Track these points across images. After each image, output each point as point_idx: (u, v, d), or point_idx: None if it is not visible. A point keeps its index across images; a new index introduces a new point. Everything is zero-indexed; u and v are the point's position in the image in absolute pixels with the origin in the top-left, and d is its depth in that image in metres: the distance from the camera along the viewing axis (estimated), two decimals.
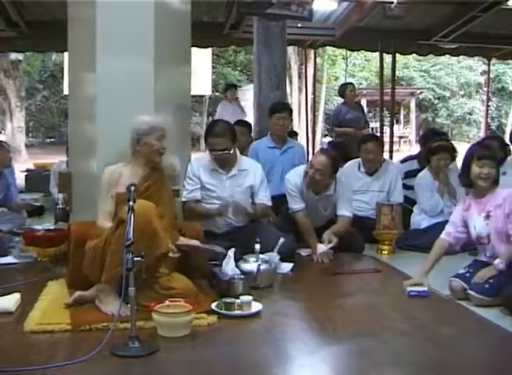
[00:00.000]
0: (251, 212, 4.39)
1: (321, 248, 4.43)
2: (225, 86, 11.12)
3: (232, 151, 4.38)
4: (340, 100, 8.51)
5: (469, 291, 3.40)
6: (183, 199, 4.34)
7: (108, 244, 3.13)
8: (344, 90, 8.04)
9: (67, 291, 3.43)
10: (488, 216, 3.55)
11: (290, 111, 5.87)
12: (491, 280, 3.38)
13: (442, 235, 3.74)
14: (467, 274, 3.55)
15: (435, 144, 5.32)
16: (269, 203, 4.54)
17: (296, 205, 4.62)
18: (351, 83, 8.64)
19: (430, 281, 3.69)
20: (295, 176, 4.67)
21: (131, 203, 2.90)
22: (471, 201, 3.68)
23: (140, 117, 3.52)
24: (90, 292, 3.22)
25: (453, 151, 5.25)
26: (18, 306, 3.23)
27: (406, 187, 5.43)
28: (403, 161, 6.58)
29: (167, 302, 2.94)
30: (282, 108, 5.68)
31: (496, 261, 3.44)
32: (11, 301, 3.21)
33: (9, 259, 4.41)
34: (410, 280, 3.68)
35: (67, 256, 3.67)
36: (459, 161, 5.38)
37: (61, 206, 4.81)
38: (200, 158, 4.61)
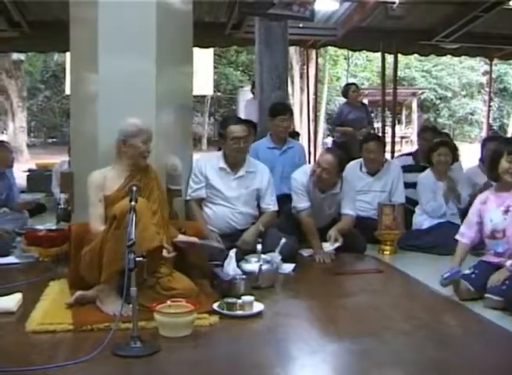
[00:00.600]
0: (262, 230, 4.31)
1: (327, 246, 4.43)
2: (253, 82, 10.82)
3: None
4: (343, 100, 8.51)
5: (487, 295, 3.37)
6: (187, 197, 4.34)
7: (104, 245, 3.12)
8: (347, 90, 8.07)
9: (69, 291, 3.43)
10: (507, 211, 3.57)
11: (291, 112, 5.88)
12: (507, 282, 3.35)
13: (458, 237, 3.78)
14: (473, 275, 3.52)
15: (434, 141, 5.35)
16: (276, 208, 4.53)
17: (301, 203, 4.63)
18: (354, 84, 8.67)
19: (433, 282, 3.69)
20: (301, 175, 4.68)
21: (133, 203, 2.90)
22: (490, 195, 3.72)
23: (127, 119, 3.52)
24: (91, 292, 3.22)
25: (453, 148, 5.23)
26: (19, 306, 3.23)
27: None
28: (398, 157, 6.62)
29: (169, 302, 2.94)
30: (284, 109, 5.68)
31: (508, 262, 3.43)
32: (12, 301, 3.21)
33: (11, 259, 4.41)
34: None
35: (68, 256, 3.67)
36: (461, 161, 5.45)
37: (63, 206, 4.81)
38: (207, 156, 4.62)
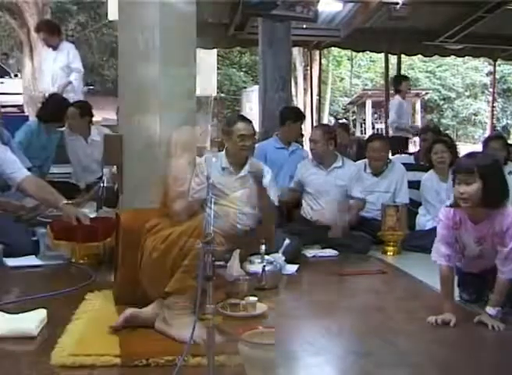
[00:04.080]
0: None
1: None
2: (396, 77, 9.44)
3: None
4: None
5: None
6: (189, 198, 4.33)
7: (188, 243, 2.43)
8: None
9: (114, 308, 2.78)
10: (480, 243, 3.06)
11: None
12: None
13: (441, 261, 3.10)
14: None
15: (431, 141, 5.40)
16: (275, 203, 4.52)
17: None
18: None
19: (436, 283, 3.68)
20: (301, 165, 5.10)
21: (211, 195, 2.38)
22: (463, 220, 3.04)
23: None
24: (148, 310, 2.53)
25: (451, 145, 5.22)
26: (43, 328, 2.54)
27: None
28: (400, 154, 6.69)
29: (261, 328, 2.18)
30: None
31: (491, 311, 3.00)
32: (33, 321, 2.48)
33: (32, 260, 3.51)
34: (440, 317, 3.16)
35: (115, 257, 2.91)
36: None
37: (106, 185, 3.89)
38: (210, 157, 4.62)
